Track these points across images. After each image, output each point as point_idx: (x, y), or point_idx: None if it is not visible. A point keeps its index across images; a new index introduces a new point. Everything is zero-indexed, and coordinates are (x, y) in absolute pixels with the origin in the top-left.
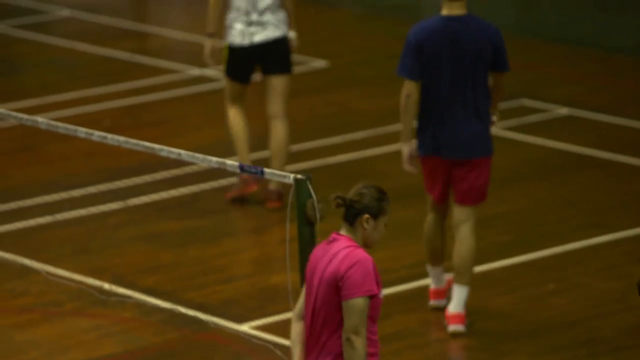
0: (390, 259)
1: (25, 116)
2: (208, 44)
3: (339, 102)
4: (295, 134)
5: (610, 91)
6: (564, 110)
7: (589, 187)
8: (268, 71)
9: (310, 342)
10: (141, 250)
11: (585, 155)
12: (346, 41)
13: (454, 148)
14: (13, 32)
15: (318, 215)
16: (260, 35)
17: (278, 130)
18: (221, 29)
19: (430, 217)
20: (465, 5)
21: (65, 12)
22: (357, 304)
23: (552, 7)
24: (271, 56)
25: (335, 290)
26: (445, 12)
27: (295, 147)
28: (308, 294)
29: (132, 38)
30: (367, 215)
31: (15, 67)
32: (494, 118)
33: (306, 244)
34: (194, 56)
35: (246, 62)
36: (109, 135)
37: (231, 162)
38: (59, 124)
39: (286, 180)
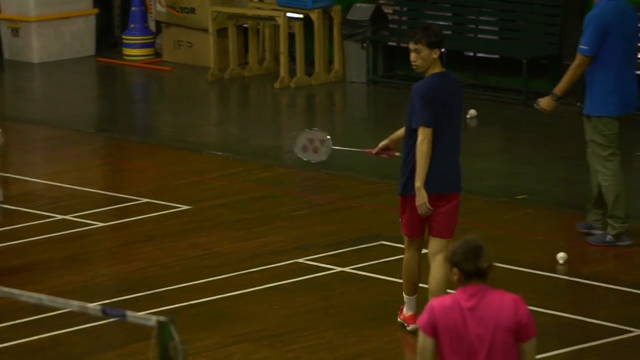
0: None
1: None
2: None
3: (201, 244)
4: (159, 276)
5: (466, 231)
6: (423, 251)
7: None
8: None
9: None
10: None
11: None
12: (208, 185)
13: (445, 183)
14: None
15: (181, 357)
16: None
17: None
18: None
19: (409, 256)
20: None
21: None
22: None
23: None
24: None
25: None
26: (437, 70)
27: (159, 290)
28: (463, 348)
29: None
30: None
31: None
32: None
33: None
34: (55, 201)
35: None
36: None
37: (92, 306)
38: None
39: (149, 323)
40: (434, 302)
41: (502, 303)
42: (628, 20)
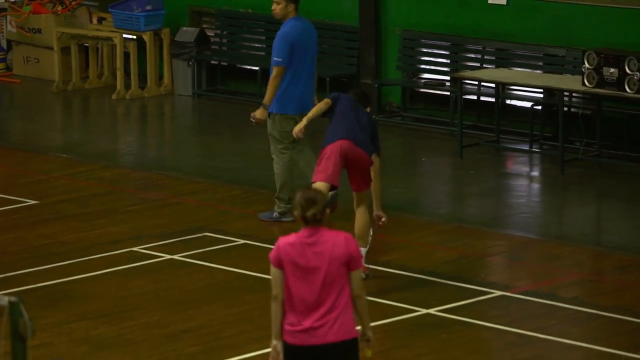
0: None
1: None
2: None
3: (47, 234)
4: (9, 262)
5: (278, 224)
6: (241, 241)
7: (265, 306)
8: None
9: (315, 306)
10: None
11: (259, 277)
12: (54, 183)
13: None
14: None
15: (29, 332)
16: None
17: None
18: None
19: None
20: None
21: None
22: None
23: (230, 154)
24: None
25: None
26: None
27: (9, 274)
28: (304, 275)
29: None
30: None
31: None
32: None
33: (19, 356)
34: None
35: None
36: None
37: None
38: None
39: (1, 303)
40: (280, 240)
41: (335, 240)
42: (310, 36)
